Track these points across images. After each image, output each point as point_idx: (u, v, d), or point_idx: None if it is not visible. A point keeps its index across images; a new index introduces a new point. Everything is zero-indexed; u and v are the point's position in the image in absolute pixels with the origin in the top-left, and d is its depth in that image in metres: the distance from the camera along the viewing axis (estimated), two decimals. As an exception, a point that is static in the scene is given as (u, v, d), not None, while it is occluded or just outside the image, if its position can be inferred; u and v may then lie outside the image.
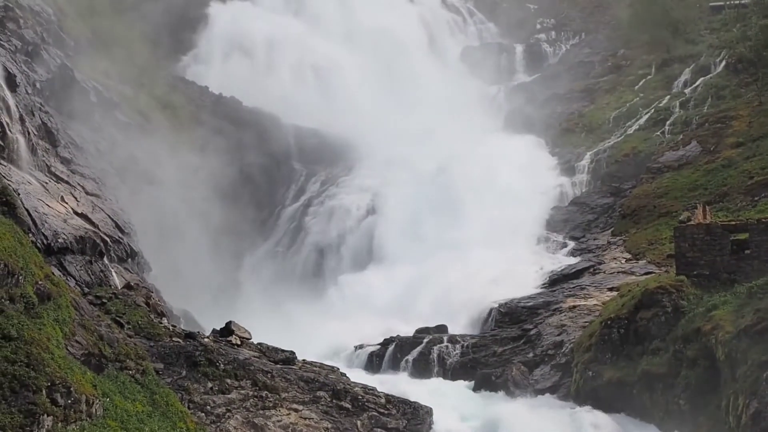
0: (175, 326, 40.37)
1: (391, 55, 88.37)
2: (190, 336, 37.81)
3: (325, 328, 52.97)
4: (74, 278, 41.24)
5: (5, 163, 42.68)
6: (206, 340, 38.02)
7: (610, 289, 48.97)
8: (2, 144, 42.99)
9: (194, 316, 51.66)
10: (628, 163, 66.73)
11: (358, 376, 43.31)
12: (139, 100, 65.36)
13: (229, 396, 34.53)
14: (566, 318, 47.65)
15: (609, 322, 41.28)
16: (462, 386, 45.01)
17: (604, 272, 52.93)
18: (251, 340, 40.50)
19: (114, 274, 45.36)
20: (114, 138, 58.88)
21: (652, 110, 73.22)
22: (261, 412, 34.65)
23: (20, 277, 27.51)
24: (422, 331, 50.45)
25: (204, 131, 70.27)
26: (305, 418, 35.32)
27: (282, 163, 74.71)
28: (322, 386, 37.25)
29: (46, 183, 45.99)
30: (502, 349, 47.30)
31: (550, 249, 60.33)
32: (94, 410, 26.63)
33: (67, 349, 27.93)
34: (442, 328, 50.79)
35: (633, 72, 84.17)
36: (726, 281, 38.71)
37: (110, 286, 43.04)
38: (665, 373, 37.69)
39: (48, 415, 24.63)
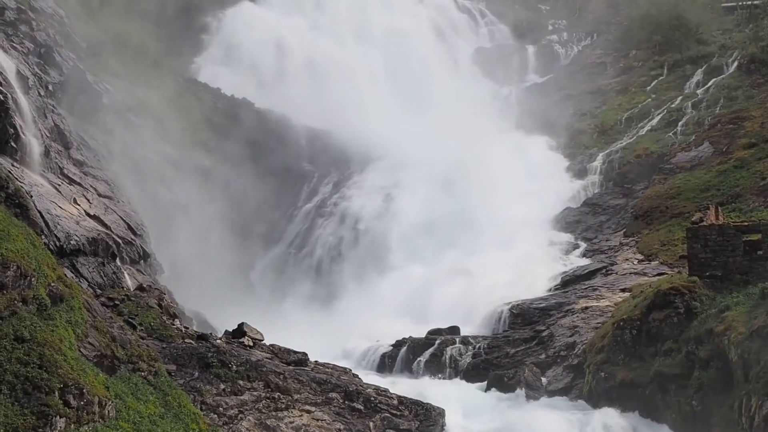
0: (187, 328, 40.41)
1: (403, 57, 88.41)
2: (202, 337, 37.90)
3: (337, 330, 53.02)
4: (87, 280, 41.25)
5: (18, 165, 42.73)
6: (219, 341, 38.08)
7: (623, 290, 48.94)
8: (15, 146, 43.04)
9: (206, 318, 51.68)
10: (640, 164, 66.66)
11: (370, 377, 43.33)
12: (151, 101, 65.31)
13: (241, 397, 34.57)
14: (578, 319, 47.59)
15: (621, 323, 41.19)
16: (474, 387, 44.96)
17: (617, 273, 52.88)
18: (263, 342, 40.54)
19: (126, 275, 45.33)
20: (126, 140, 58.89)
21: (665, 111, 73.18)
22: (273, 413, 34.70)
23: (33, 279, 27.59)
24: (434, 333, 50.39)
25: (216, 133, 70.32)
26: (317, 420, 35.34)
27: (294, 165, 74.63)
28: (335, 387, 37.27)
29: (59, 185, 46.02)
30: (515, 350, 47.25)
31: (562, 250, 60.22)
32: (106, 412, 26.70)
33: (80, 351, 27.99)
34: (454, 330, 50.76)
35: (645, 73, 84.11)
36: (739, 282, 38.61)
37: (123, 287, 43.03)
38: (678, 374, 37.63)
39: (60, 417, 24.71)
